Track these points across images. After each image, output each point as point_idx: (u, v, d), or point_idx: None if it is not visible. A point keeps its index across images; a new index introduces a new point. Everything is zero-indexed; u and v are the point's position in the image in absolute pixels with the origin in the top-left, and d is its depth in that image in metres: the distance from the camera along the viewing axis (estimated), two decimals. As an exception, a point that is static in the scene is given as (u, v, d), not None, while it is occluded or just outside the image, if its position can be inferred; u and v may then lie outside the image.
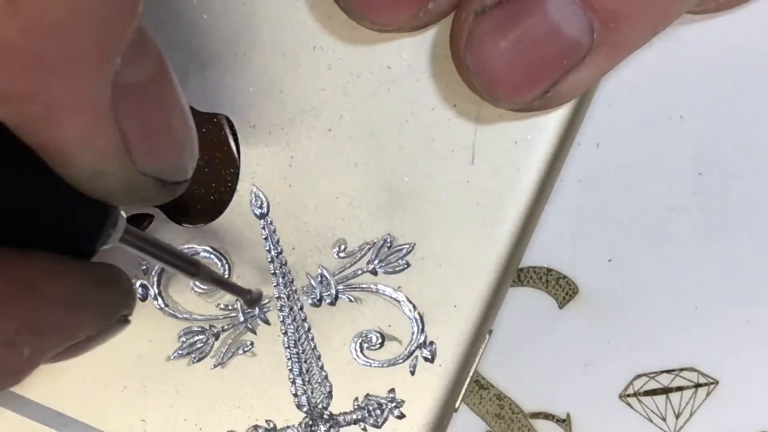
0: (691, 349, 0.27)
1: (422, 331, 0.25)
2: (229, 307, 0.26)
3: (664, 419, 0.27)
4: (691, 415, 0.27)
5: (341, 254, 0.25)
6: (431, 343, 0.25)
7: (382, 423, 0.26)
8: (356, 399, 0.26)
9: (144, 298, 0.26)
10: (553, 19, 0.20)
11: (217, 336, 0.26)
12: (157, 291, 0.26)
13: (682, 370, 0.27)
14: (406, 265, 0.25)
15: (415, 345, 0.25)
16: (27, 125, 0.16)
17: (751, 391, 0.27)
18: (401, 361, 0.25)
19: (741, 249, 0.27)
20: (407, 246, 0.25)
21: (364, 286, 0.25)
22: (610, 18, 0.20)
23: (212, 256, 0.25)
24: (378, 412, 0.26)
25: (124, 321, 0.21)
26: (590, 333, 0.27)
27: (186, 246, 0.25)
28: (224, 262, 0.25)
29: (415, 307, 0.25)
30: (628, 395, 0.27)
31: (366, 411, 0.26)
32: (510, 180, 0.25)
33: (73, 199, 0.18)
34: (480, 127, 0.24)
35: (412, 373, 0.25)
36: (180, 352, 0.26)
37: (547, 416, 0.27)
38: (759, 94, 0.26)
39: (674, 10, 0.21)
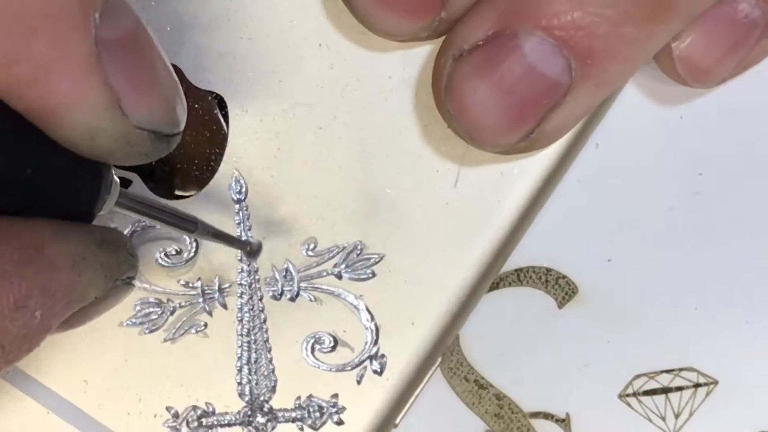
0: (691, 349, 0.27)
1: (376, 342, 0.25)
2: (190, 285, 0.26)
3: (663, 419, 0.27)
4: (691, 415, 0.27)
5: (310, 252, 0.25)
6: (383, 356, 0.25)
7: (320, 426, 0.26)
8: (298, 398, 0.26)
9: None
10: (530, 60, 0.21)
11: (172, 311, 0.26)
12: (121, 256, 0.26)
13: (681, 370, 0.27)
14: (371, 275, 0.25)
15: (367, 355, 0.25)
16: (15, 89, 0.16)
17: (750, 391, 0.27)
18: (350, 368, 0.25)
19: (740, 249, 0.27)
20: (376, 256, 0.25)
21: (326, 287, 0.25)
22: (586, 55, 0.20)
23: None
24: (318, 414, 0.26)
25: (129, 284, 0.22)
26: (590, 333, 0.27)
27: (158, 217, 0.25)
28: (193, 239, 0.25)
29: (372, 318, 0.25)
30: (628, 395, 0.27)
31: (306, 411, 0.26)
32: (489, 210, 0.25)
33: (68, 166, 0.18)
34: (469, 152, 0.24)
35: (359, 382, 0.25)
36: (134, 320, 0.26)
37: (547, 416, 0.27)
38: (759, 94, 0.26)
39: (651, 44, 0.21)
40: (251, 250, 0.25)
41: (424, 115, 0.24)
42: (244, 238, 0.25)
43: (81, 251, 0.19)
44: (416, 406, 0.27)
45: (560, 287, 0.27)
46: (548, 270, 0.27)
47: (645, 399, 0.27)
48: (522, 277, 0.27)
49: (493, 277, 0.26)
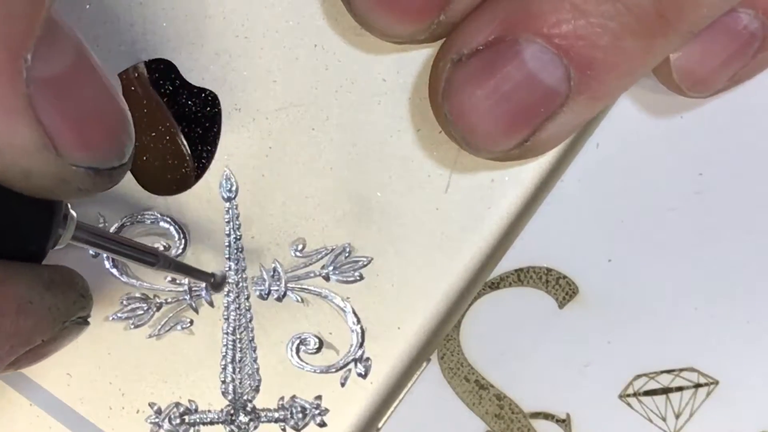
0: (691, 349, 0.27)
1: (361, 345, 0.25)
2: (177, 282, 0.26)
3: (664, 419, 0.27)
4: (691, 415, 0.27)
5: (298, 253, 0.25)
6: (367, 359, 0.25)
7: (302, 427, 0.26)
8: (282, 398, 0.26)
9: (96, 254, 0.25)
10: (530, 67, 0.21)
11: (159, 307, 0.26)
12: (109, 250, 0.26)
13: (682, 370, 0.27)
14: (359, 278, 0.25)
15: (351, 358, 0.25)
16: None
17: (751, 391, 0.27)
18: (334, 370, 0.25)
19: (741, 249, 0.26)
20: (364, 259, 0.25)
21: (313, 289, 0.25)
22: (585, 66, 0.20)
23: (171, 227, 0.25)
24: (300, 415, 0.25)
25: (83, 323, 0.21)
26: (590, 333, 0.27)
27: (148, 212, 0.25)
28: (181, 236, 0.25)
29: (359, 321, 0.25)
30: (628, 395, 0.27)
31: (289, 412, 0.26)
32: (479, 216, 0.25)
33: (16, 203, 0.17)
34: (461, 158, 0.24)
35: (343, 384, 0.25)
36: (119, 315, 0.26)
37: (547, 416, 0.27)
38: (759, 94, 0.26)
39: (650, 59, 0.21)
40: (215, 282, 0.25)
41: (417, 119, 0.24)
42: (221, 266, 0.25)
43: (27, 295, 0.18)
44: (417, 406, 0.27)
45: (560, 287, 0.27)
46: (548, 270, 0.27)
47: (645, 399, 0.27)
48: (522, 277, 0.27)
49: (482, 283, 0.26)
